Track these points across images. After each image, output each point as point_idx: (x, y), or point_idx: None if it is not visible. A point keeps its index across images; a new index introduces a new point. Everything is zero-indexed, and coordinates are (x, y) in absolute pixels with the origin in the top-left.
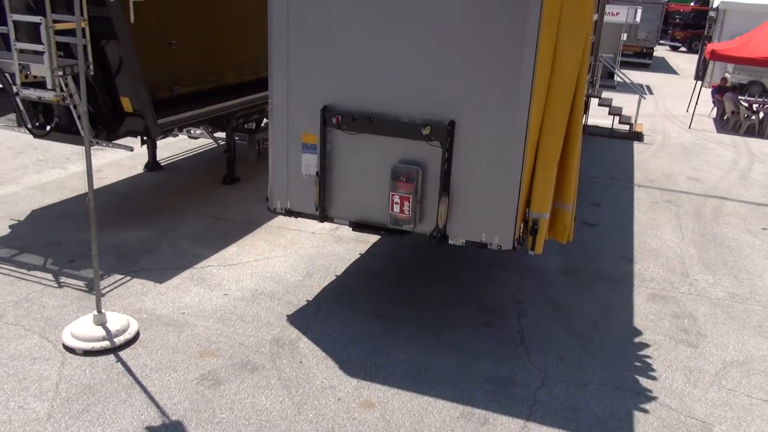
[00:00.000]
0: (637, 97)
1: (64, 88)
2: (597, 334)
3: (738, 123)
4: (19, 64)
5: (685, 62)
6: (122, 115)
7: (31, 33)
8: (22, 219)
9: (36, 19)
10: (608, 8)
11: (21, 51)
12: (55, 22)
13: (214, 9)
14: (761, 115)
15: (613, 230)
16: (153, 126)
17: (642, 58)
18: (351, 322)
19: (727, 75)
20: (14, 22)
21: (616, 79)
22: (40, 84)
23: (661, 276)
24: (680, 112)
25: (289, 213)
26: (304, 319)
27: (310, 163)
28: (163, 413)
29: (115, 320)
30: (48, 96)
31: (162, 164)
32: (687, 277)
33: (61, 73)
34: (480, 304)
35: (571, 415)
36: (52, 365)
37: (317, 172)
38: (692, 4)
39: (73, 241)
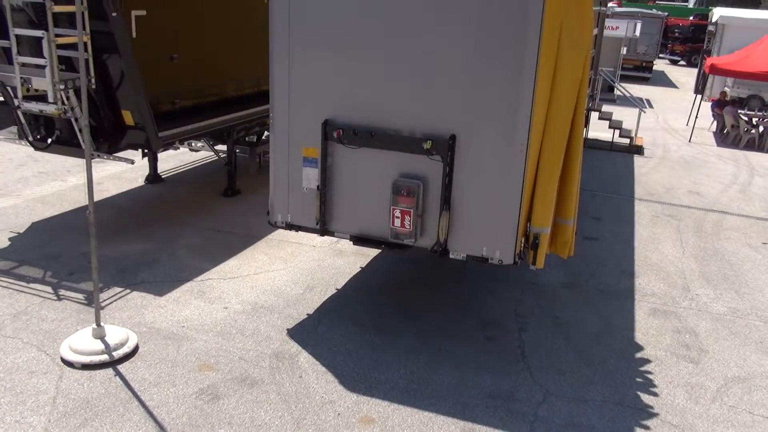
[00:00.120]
0: (637, 110)
1: (66, 102)
2: (598, 349)
3: (738, 137)
4: (21, 78)
5: (684, 76)
6: (123, 128)
7: (33, 47)
8: (22, 231)
9: (38, 33)
10: (608, 22)
11: (23, 65)
12: (57, 36)
13: (215, 23)
14: (761, 129)
15: (613, 244)
16: (154, 139)
17: (642, 71)
18: (351, 336)
19: (726, 89)
20: (16, 36)
21: (616, 92)
22: (41, 97)
23: (662, 290)
24: (680, 126)
25: (290, 227)
26: (304, 333)
27: (311, 176)
28: (161, 428)
29: (114, 333)
30: (49, 109)
31: (163, 177)
32: (688, 292)
33: (62, 86)
34: (481, 318)
35: None
36: (50, 379)
37: (318, 186)
38: (691, 18)
39: (73, 254)
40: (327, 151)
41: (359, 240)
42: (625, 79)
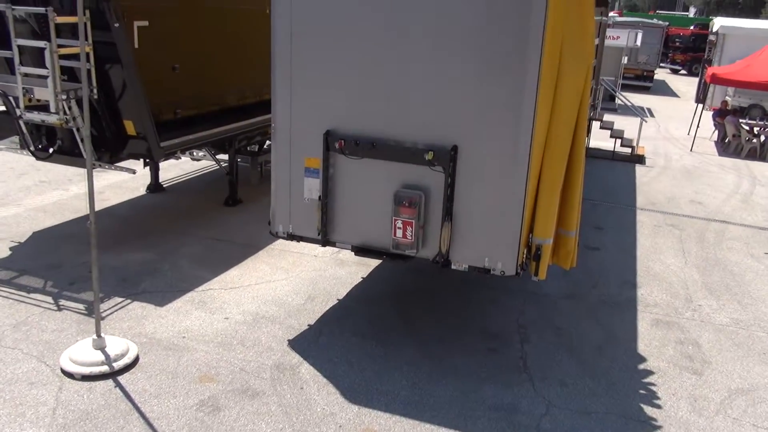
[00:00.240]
0: (638, 119)
1: (68, 112)
2: (601, 361)
3: (739, 146)
4: (23, 88)
5: (685, 85)
6: (125, 138)
7: (36, 57)
8: (22, 240)
9: (41, 44)
10: (609, 32)
11: (25, 75)
12: (60, 46)
13: (217, 32)
14: (762, 138)
15: (616, 254)
16: (156, 149)
17: (643, 81)
18: (353, 346)
19: (727, 98)
20: (19, 46)
21: (618, 101)
22: (43, 107)
23: (665, 301)
24: (681, 135)
25: (292, 237)
26: (306, 344)
27: (312, 187)
28: None
29: (115, 344)
30: (51, 119)
31: (164, 186)
32: (691, 303)
33: (64, 96)
34: (483, 329)
35: None
36: (50, 390)
37: (320, 197)
38: (692, 27)
39: (73, 263)
40: (329, 161)
41: (361, 251)
42: (626, 88)
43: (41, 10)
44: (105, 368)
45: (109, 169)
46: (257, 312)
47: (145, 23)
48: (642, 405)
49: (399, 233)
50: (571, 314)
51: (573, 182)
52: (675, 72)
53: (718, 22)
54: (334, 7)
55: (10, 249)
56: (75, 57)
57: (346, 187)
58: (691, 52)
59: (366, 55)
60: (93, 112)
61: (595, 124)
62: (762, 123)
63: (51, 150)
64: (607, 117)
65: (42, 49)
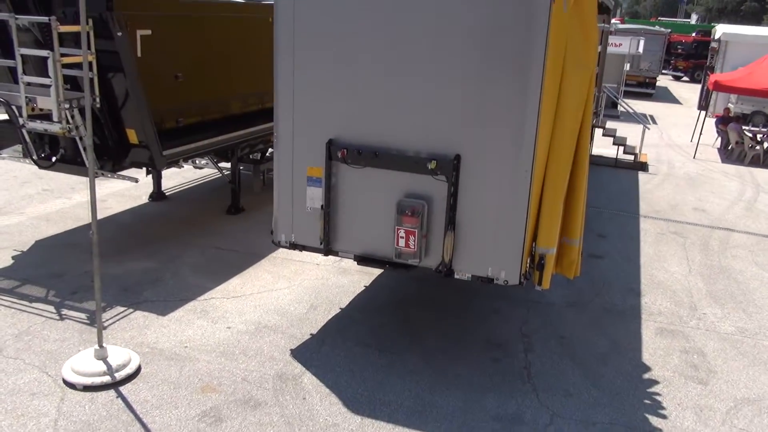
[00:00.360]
0: (640, 126)
1: (71, 121)
2: (605, 370)
3: (742, 153)
4: (26, 97)
5: (687, 92)
6: (128, 146)
7: (39, 66)
8: (25, 249)
9: (44, 53)
10: (611, 39)
11: (28, 84)
12: (63, 55)
13: (219, 41)
14: (765, 145)
15: (619, 262)
16: (158, 157)
17: (645, 87)
18: (355, 356)
19: (730, 105)
20: (22, 55)
21: (620, 108)
22: (46, 116)
23: (669, 309)
24: (684, 142)
25: (294, 246)
26: (308, 354)
27: (315, 196)
28: None
29: (117, 354)
30: (54, 128)
31: (167, 194)
32: (695, 311)
33: (67, 105)
34: (486, 339)
35: None
36: (52, 401)
37: (322, 206)
38: (694, 34)
39: (76, 273)
40: (331, 170)
41: (363, 260)
42: (628, 95)
43: (44, 19)
44: (107, 378)
45: (111, 177)
46: (259, 321)
47: (148, 32)
48: (647, 415)
49: (402, 242)
50: (574, 323)
51: (576, 191)
52: (677, 79)
53: (721, 30)
54: (336, 17)
55: (13, 258)
56: (78, 66)
57: (348, 196)
58: (693, 59)
59: (368, 64)
60: (95, 120)
61: (598, 132)
62: (765, 130)
63: (54, 159)
64: (609, 124)
65: (45, 59)
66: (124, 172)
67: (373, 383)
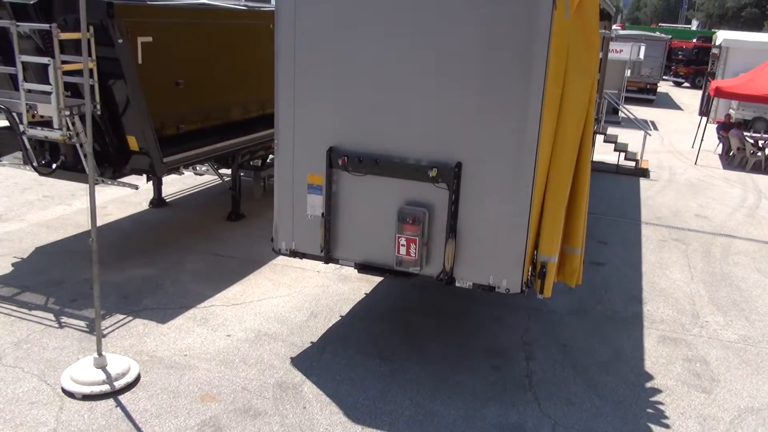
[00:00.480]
0: (642, 132)
1: (71, 128)
2: (607, 379)
3: (744, 159)
4: (27, 104)
5: (688, 98)
6: (128, 153)
7: (40, 73)
8: (25, 256)
9: (44, 60)
10: (612, 45)
11: (29, 91)
12: (64, 62)
13: (220, 48)
14: (767, 151)
15: (621, 269)
16: (158, 164)
17: (646, 93)
18: (356, 364)
19: (731, 111)
20: (23, 62)
21: (621, 114)
22: (46, 123)
23: (671, 317)
24: (686, 148)
25: (294, 254)
26: (308, 362)
27: (315, 204)
28: None
29: (116, 363)
30: (54, 135)
31: (167, 200)
32: (698, 319)
33: (68, 112)
34: (487, 347)
35: None
36: (50, 410)
37: (323, 213)
38: (695, 40)
39: (75, 280)
40: (332, 178)
41: (364, 268)
42: (629, 101)
43: (45, 26)
44: (106, 387)
45: (111, 184)
46: (259, 329)
47: (149, 39)
48: (650, 425)
49: (402, 250)
50: (576, 331)
51: (578, 199)
52: (678, 85)
53: (722, 36)
54: (337, 24)
55: (12, 265)
56: (79, 73)
57: (349, 204)
58: (694, 64)
59: (369, 72)
60: (96, 127)
61: (599, 138)
62: (766, 136)
63: (54, 166)
64: (611, 130)
65: (46, 66)
66: (125, 179)
67: (374, 392)
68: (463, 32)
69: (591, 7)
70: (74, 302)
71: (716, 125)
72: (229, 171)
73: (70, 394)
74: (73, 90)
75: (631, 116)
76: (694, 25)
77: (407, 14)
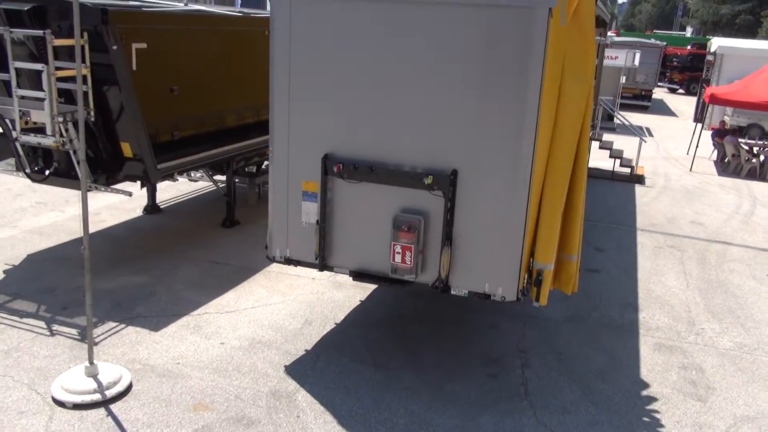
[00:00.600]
0: (637, 139)
1: (64, 134)
2: (603, 387)
3: (739, 166)
4: (20, 111)
5: (683, 104)
6: (122, 159)
7: (33, 80)
8: (17, 263)
9: (38, 66)
10: (607, 52)
11: (22, 97)
12: (58, 69)
13: (215, 54)
14: (762, 158)
15: (616, 276)
16: (152, 171)
17: (641, 100)
18: (350, 372)
19: (726, 118)
20: (16, 69)
21: (616, 121)
22: (39, 130)
23: (667, 324)
24: (681, 155)
25: (289, 261)
26: (303, 370)
27: (310, 211)
28: None
29: (108, 371)
30: (48, 142)
31: (161, 207)
32: (693, 326)
33: (61, 119)
34: (483, 354)
35: None
36: (40, 420)
37: (317, 221)
38: (689, 47)
39: (67, 287)
40: (327, 185)
41: (359, 275)
42: (624, 107)
43: (39, 32)
44: (97, 396)
45: (105, 191)
46: (253, 337)
47: (144, 45)
48: None
49: (398, 258)
50: (572, 338)
51: (574, 206)
52: (673, 91)
53: (716, 43)
54: (333, 31)
55: (4, 272)
56: (72, 79)
57: (344, 211)
58: (689, 71)
59: (365, 79)
60: (90, 133)
61: (595, 144)
62: (761, 143)
63: (47, 172)
64: (606, 137)
65: (39, 72)
66: (118, 186)
67: (369, 400)
68: (459, 39)
69: (587, 14)
70: (66, 310)
71: (711, 132)
72: (223, 177)
73: (61, 404)
74: (67, 96)
75: (627, 123)
76: (688, 32)
77: (403, 20)
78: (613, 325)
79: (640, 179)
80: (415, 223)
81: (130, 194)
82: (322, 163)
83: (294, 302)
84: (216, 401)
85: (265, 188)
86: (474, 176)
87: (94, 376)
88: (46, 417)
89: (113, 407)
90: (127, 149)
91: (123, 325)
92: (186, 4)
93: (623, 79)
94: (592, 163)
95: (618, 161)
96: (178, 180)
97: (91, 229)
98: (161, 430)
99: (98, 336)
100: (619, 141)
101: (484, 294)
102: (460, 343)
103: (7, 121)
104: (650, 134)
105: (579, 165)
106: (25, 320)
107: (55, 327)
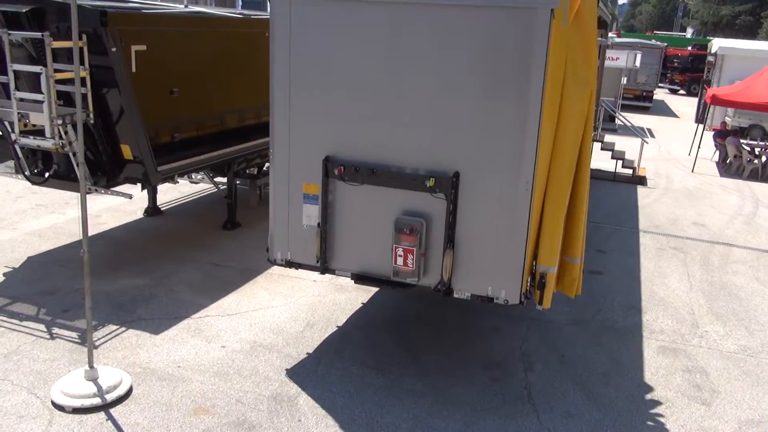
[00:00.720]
0: (638, 140)
1: (64, 137)
2: (607, 390)
3: (741, 167)
4: (18, 113)
5: (684, 105)
6: (122, 162)
7: (32, 82)
8: (17, 266)
9: (37, 69)
10: (608, 53)
11: (21, 100)
12: (56, 71)
13: (215, 56)
14: (764, 159)
15: (619, 278)
16: (153, 173)
17: (642, 101)
18: (352, 376)
19: (727, 119)
20: (15, 71)
21: (617, 122)
22: (39, 132)
23: (671, 327)
24: (682, 156)
25: (290, 264)
26: (304, 374)
27: (311, 213)
28: None
29: (108, 375)
30: (47, 144)
31: (162, 209)
32: (697, 329)
33: (60, 121)
34: (485, 357)
35: None
36: (39, 424)
37: (319, 223)
38: (690, 48)
39: (68, 290)
40: (328, 187)
41: (361, 279)
42: (625, 108)
43: (38, 35)
44: (97, 400)
45: (105, 193)
46: (255, 340)
47: (143, 47)
48: None
49: (400, 261)
50: (575, 341)
51: (577, 208)
52: (674, 92)
53: (717, 44)
54: (333, 32)
55: (4, 275)
56: (71, 82)
57: (345, 213)
58: (690, 72)
59: (366, 80)
60: (90, 136)
61: (596, 146)
62: (763, 143)
63: (47, 175)
64: (607, 138)
65: (38, 74)
66: (119, 188)
67: (371, 404)
68: (461, 41)
69: (589, 15)
70: (66, 313)
71: (713, 133)
72: (224, 179)
73: (60, 408)
74: (66, 98)
75: (628, 124)
76: (688, 33)
77: (405, 21)
78: (616, 327)
79: (642, 180)
80: (416, 225)
81: (130, 197)
82: (324, 166)
83: (296, 305)
84: (217, 405)
85: (266, 190)
86: (476, 178)
87: (94, 380)
88: (45, 421)
89: (113, 411)
90: (127, 151)
91: (123, 328)
92: (186, 6)
93: (624, 80)
94: (594, 164)
95: (620, 162)
96: (178, 182)
97: (92, 232)
98: None
99: (98, 339)
100: (620, 142)
101: (487, 297)
102: (462, 347)
103: (6, 123)
104: (652, 135)
105: (582, 166)
106: (25, 323)
107: (55, 330)
